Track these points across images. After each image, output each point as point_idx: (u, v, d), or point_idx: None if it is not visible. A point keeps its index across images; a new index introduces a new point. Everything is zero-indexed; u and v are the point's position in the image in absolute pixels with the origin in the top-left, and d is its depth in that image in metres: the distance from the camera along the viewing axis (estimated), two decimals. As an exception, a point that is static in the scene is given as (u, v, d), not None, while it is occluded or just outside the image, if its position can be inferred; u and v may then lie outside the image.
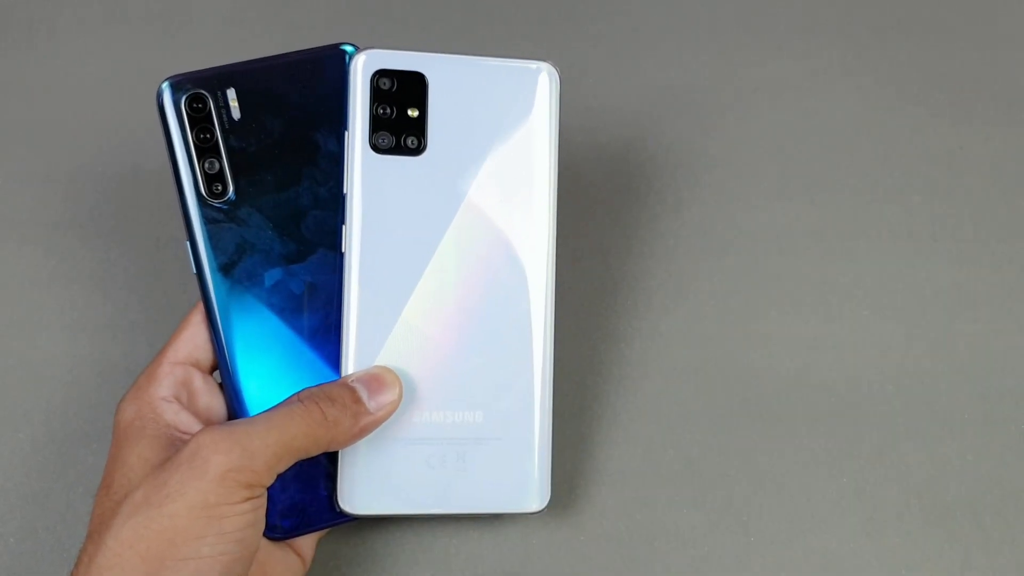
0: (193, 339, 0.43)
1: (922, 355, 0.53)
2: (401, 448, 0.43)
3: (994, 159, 0.58)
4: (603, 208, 0.56)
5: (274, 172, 0.43)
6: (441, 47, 0.58)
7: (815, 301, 0.54)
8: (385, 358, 0.43)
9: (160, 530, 0.36)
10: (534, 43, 0.62)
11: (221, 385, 0.43)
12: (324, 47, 0.43)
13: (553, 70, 0.44)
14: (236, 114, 0.42)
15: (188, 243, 0.42)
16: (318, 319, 0.43)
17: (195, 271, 0.42)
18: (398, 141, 0.43)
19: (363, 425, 0.41)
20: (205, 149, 0.42)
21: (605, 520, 0.48)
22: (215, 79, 0.42)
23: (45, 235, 0.55)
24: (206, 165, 0.42)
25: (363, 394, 0.41)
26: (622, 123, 0.59)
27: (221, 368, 0.43)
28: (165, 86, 0.42)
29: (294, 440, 0.38)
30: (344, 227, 0.42)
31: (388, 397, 0.41)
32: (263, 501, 0.38)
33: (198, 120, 0.42)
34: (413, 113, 0.43)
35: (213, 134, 0.42)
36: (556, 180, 0.44)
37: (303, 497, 0.43)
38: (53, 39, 0.61)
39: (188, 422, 0.41)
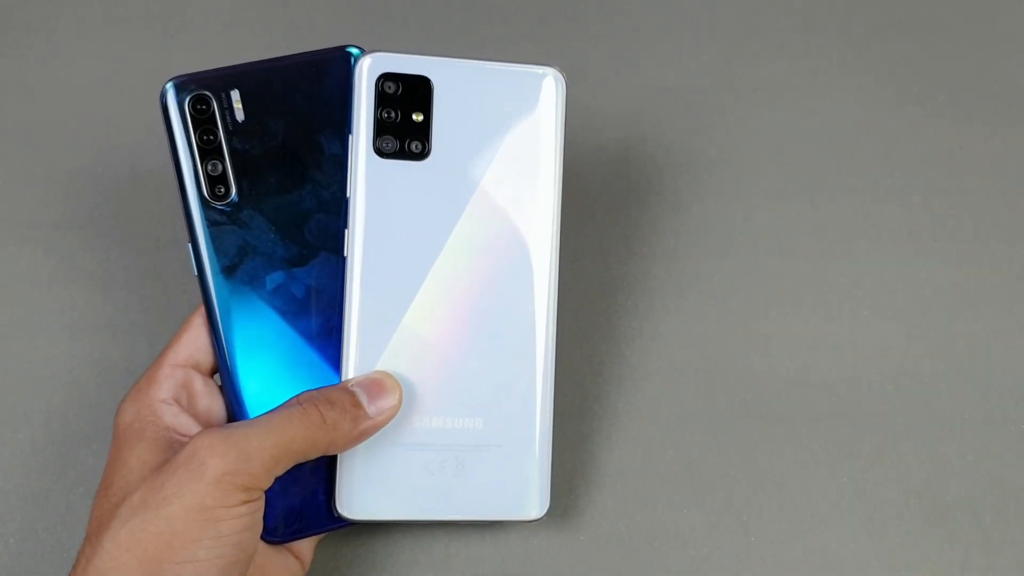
0: (194, 341, 0.43)
1: (922, 355, 0.53)
2: (400, 453, 0.43)
3: (994, 159, 0.58)
4: (603, 208, 0.56)
5: (277, 175, 0.43)
6: (442, 48, 0.59)
7: (815, 301, 0.54)
8: (386, 363, 0.42)
9: (157, 533, 0.36)
10: (535, 43, 0.61)
11: (221, 388, 0.43)
12: (329, 49, 0.43)
13: (559, 75, 0.44)
14: (240, 116, 0.42)
15: (190, 245, 0.42)
16: (319, 323, 0.43)
17: (196, 273, 0.42)
18: (402, 145, 0.43)
19: (362, 429, 0.41)
20: (208, 151, 0.42)
21: (605, 521, 0.49)
22: (219, 80, 0.42)
23: (45, 236, 0.55)
24: (209, 167, 0.42)
25: (363, 398, 0.41)
26: (622, 123, 0.59)
27: (221, 371, 0.43)
28: (169, 86, 0.42)
29: (292, 443, 0.38)
30: (347, 231, 0.42)
31: (388, 402, 0.41)
32: (260, 504, 0.38)
33: (202, 121, 0.42)
34: (417, 117, 0.43)
35: (216, 135, 0.42)
36: (561, 186, 0.44)
37: (302, 501, 0.43)
38: (53, 40, 0.61)
39: (188, 424, 0.41)
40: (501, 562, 0.47)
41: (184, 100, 0.42)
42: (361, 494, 0.43)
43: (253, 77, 0.42)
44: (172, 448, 0.40)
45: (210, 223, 0.42)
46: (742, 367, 0.52)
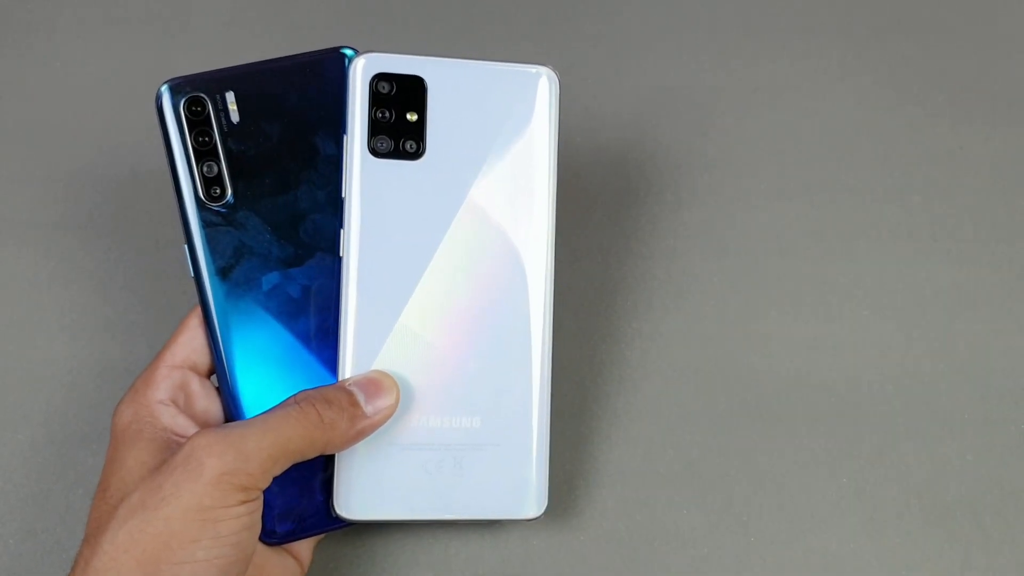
0: (191, 342, 0.43)
1: (922, 355, 0.53)
2: (398, 453, 0.43)
3: (994, 159, 0.58)
4: (602, 209, 0.56)
5: (272, 176, 0.43)
6: (440, 48, 0.59)
7: (815, 301, 0.54)
8: (382, 362, 0.43)
9: (155, 533, 0.36)
10: (533, 44, 0.61)
11: (218, 388, 0.43)
12: (323, 50, 0.43)
13: (553, 74, 0.44)
14: (235, 117, 0.42)
15: (186, 246, 0.42)
16: (315, 323, 0.43)
17: (193, 275, 0.42)
18: (397, 145, 0.43)
19: (360, 429, 0.41)
20: (203, 152, 0.42)
21: (605, 521, 0.49)
22: (214, 82, 0.42)
23: (44, 236, 0.55)
24: (204, 168, 0.42)
25: (360, 397, 0.41)
26: (621, 124, 0.59)
27: (218, 371, 0.43)
28: (164, 89, 0.42)
29: (290, 442, 0.38)
30: (342, 231, 0.42)
31: (385, 401, 0.41)
32: (259, 504, 0.38)
33: (197, 123, 0.42)
34: (412, 117, 0.43)
35: (212, 137, 0.42)
36: (556, 184, 0.44)
37: (300, 502, 0.43)
38: (53, 40, 0.61)
39: (185, 425, 0.41)
40: (501, 562, 0.47)
41: (179, 102, 0.42)
42: (359, 494, 0.43)
43: (248, 79, 0.42)
44: (170, 449, 0.40)
45: (206, 224, 0.42)
46: (742, 367, 0.52)
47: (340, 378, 0.42)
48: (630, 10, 0.63)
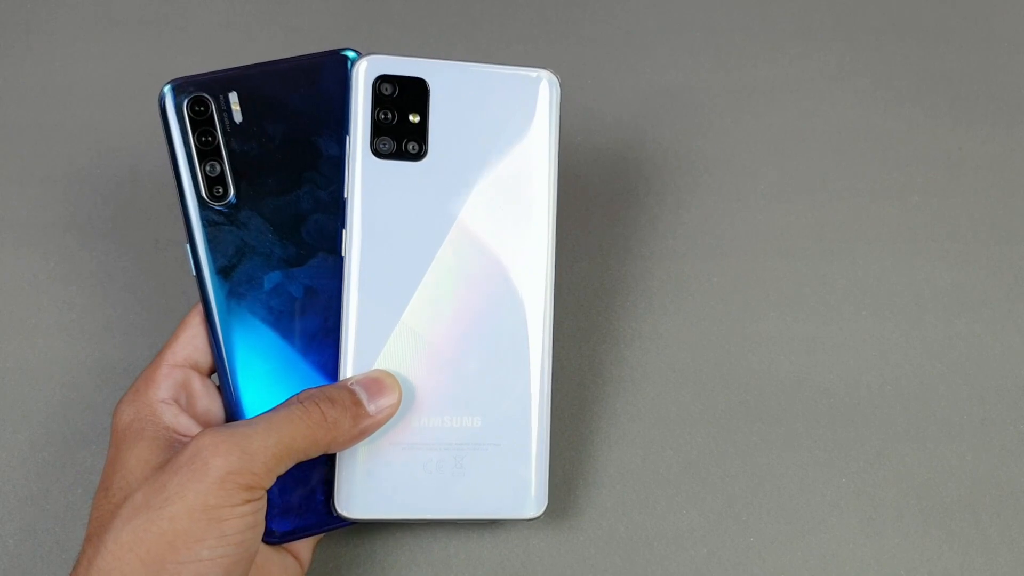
0: (192, 341, 0.43)
1: (921, 356, 0.53)
2: (399, 453, 0.43)
3: (992, 160, 0.58)
4: (602, 209, 0.56)
5: (275, 176, 0.43)
6: (439, 49, 0.59)
7: (814, 302, 0.54)
8: (384, 362, 0.43)
9: (160, 532, 0.36)
10: (532, 45, 0.62)
11: (219, 387, 0.43)
12: (326, 52, 0.43)
13: (554, 78, 0.44)
14: (238, 118, 0.42)
15: (188, 245, 0.42)
16: (317, 323, 0.43)
17: (194, 274, 0.42)
18: (399, 146, 0.43)
19: (362, 427, 0.41)
20: (206, 152, 0.42)
21: (605, 521, 0.49)
22: (217, 82, 0.42)
23: (44, 237, 0.55)
24: (207, 168, 0.42)
25: (362, 396, 0.41)
26: (620, 125, 0.59)
27: (219, 370, 0.43)
28: (167, 89, 0.42)
29: (294, 442, 0.38)
30: (344, 231, 0.43)
31: (387, 400, 0.41)
32: (263, 504, 0.38)
33: (200, 123, 0.42)
34: (414, 119, 0.43)
35: (215, 137, 0.42)
36: (556, 187, 0.44)
37: (301, 501, 0.43)
38: (52, 42, 0.61)
39: (188, 425, 0.41)
40: (500, 563, 0.47)
41: (182, 102, 0.42)
42: (360, 494, 0.43)
43: (251, 79, 0.42)
44: (172, 448, 0.40)
45: (208, 224, 0.42)
46: (741, 368, 0.52)
47: (342, 377, 0.42)
48: (630, 11, 0.63)
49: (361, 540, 0.48)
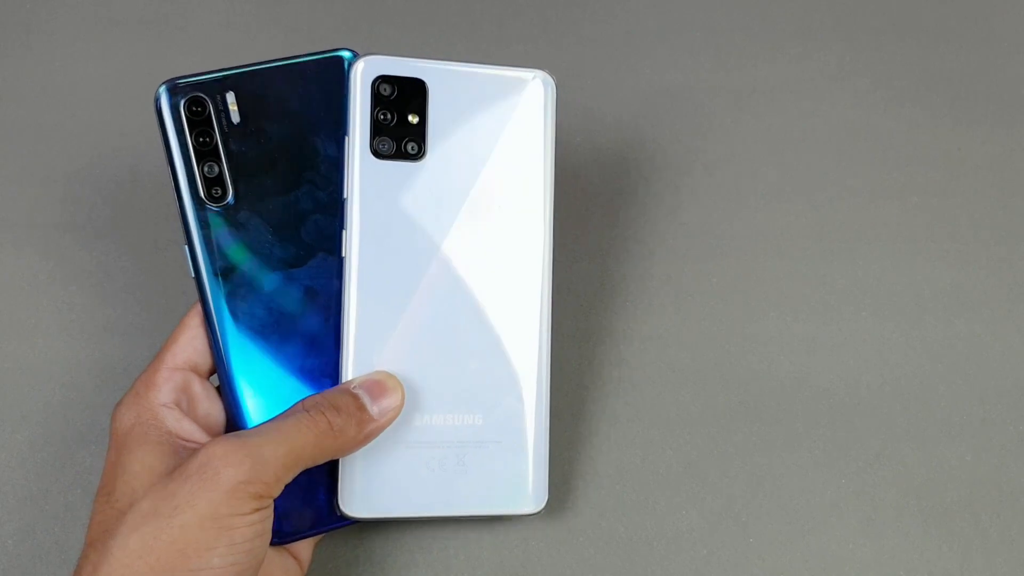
0: (191, 343, 0.43)
1: (920, 356, 0.53)
2: (402, 452, 0.43)
3: (992, 160, 0.58)
4: (601, 210, 0.56)
5: (273, 176, 0.43)
6: (438, 49, 0.59)
7: (813, 302, 0.54)
8: (386, 362, 0.43)
9: (170, 541, 0.36)
10: (532, 45, 0.62)
11: (219, 389, 0.43)
12: (324, 52, 0.43)
13: (548, 78, 0.45)
14: (236, 118, 0.42)
15: (186, 247, 0.42)
16: (317, 323, 0.43)
17: (193, 275, 0.42)
18: (398, 147, 0.43)
19: (367, 432, 0.41)
20: (204, 152, 0.42)
21: (604, 521, 0.49)
22: (214, 83, 0.42)
23: (43, 237, 0.55)
24: (205, 169, 0.42)
25: (366, 400, 0.41)
26: (620, 125, 0.59)
27: (220, 372, 0.43)
28: (162, 89, 0.42)
29: (303, 451, 0.39)
30: (344, 232, 0.43)
31: (391, 402, 0.42)
32: (270, 511, 0.38)
33: (197, 123, 0.42)
34: (413, 119, 0.43)
35: (213, 137, 0.42)
36: (553, 185, 0.45)
37: (301, 502, 0.43)
38: (51, 42, 0.61)
39: (190, 430, 0.41)
40: (500, 563, 0.47)
41: (179, 102, 0.42)
42: (364, 493, 0.43)
43: (248, 79, 0.42)
44: (177, 453, 0.40)
45: (207, 225, 0.42)
46: (741, 368, 0.52)
47: (343, 379, 0.42)
48: (630, 11, 0.63)
49: (361, 540, 0.48)
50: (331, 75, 0.43)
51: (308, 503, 0.43)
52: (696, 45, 0.62)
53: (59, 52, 0.61)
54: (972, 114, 0.60)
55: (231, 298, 0.42)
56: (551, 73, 0.45)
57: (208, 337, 0.43)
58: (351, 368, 0.42)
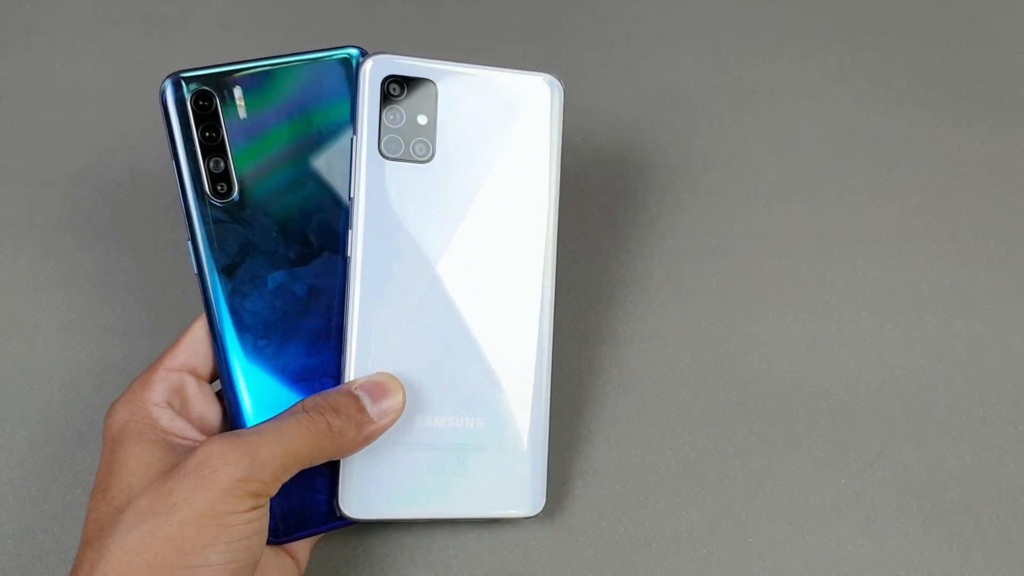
0: (192, 346, 0.43)
1: (920, 356, 0.53)
2: (403, 453, 0.43)
3: (992, 160, 0.58)
4: (601, 210, 0.56)
5: (280, 173, 0.42)
6: (438, 49, 0.59)
7: (813, 303, 0.54)
8: (388, 363, 0.43)
9: (168, 538, 0.36)
10: (532, 45, 0.62)
11: (221, 389, 0.43)
12: (331, 48, 0.43)
13: (556, 82, 0.45)
14: (243, 113, 0.42)
15: (189, 243, 0.42)
16: (321, 323, 0.43)
17: (196, 272, 0.42)
18: (407, 147, 0.43)
19: (367, 434, 0.41)
20: (211, 147, 0.41)
21: (603, 522, 0.49)
22: (222, 77, 0.42)
23: (43, 237, 0.55)
24: (211, 164, 0.42)
25: (366, 402, 0.41)
26: (620, 126, 0.59)
27: (220, 370, 0.43)
28: (168, 82, 0.41)
29: (301, 451, 0.39)
30: (350, 232, 0.42)
31: (392, 404, 0.42)
32: (267, 509, 0.38)
33: (204, 117, 0.41)
34: (423, 120, 0.43)
35: (219, 132, 0.42)
36: (558, 189, 0.45)
37: (300, 501, 0.43)
38: (52, 41, 0.61)
39: (184, 429, 0.41)
40: (499, 563, 0.47)
41: (186, 96, 0.41)
42: (364, 494, 0.43)
43: (255, 74, 0.42)
44: (173, 451, 0.40)
45: (211, 221, 0.42)
46: (740, 368, 0.52)
47: (345, 379, 0.42)
48: (629, 12, 0.63)
49: (360, 540, 0.48)
50: (340, 72, 0.43)
51: (307, 503, 0.43)
52: (696, 45, 0.62)
53: (59, 52, 0.61)
54: (972, 114, 0.60)
55: (233, 296, 0.42)
56: (559, 77, 0.45)
57: (210, 335, 0.42)
58: (353, 368, 0.42)
